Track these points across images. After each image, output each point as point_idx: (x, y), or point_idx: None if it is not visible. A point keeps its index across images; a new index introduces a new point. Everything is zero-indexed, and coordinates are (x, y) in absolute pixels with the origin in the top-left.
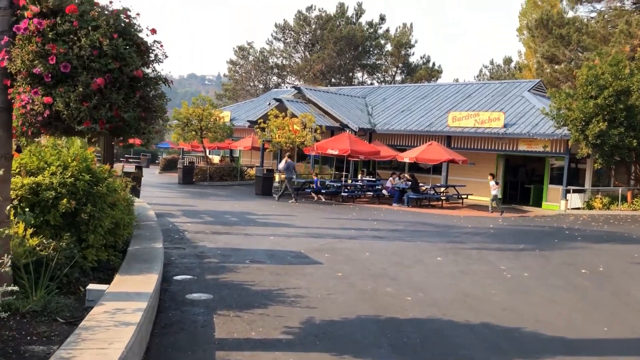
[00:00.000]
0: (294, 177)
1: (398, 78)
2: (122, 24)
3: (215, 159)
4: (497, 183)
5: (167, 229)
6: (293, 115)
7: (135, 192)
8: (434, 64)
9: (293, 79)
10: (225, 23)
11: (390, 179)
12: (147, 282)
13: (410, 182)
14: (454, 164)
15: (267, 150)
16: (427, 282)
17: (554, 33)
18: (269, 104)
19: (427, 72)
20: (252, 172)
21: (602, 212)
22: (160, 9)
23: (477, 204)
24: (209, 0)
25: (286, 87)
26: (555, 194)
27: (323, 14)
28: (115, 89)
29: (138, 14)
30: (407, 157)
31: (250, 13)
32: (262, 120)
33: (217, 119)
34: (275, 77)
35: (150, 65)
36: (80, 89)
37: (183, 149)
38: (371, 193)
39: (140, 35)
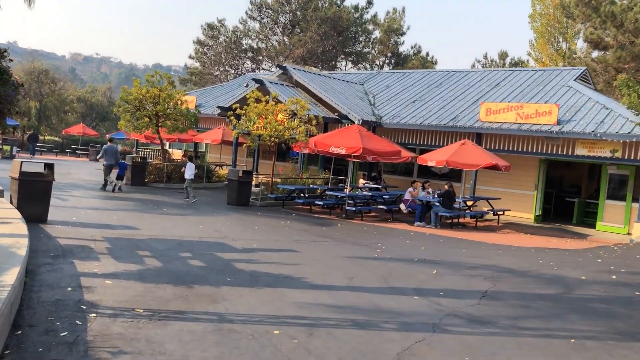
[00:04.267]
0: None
1: (386, 69)
2: None
3: (177, 154)
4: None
5: (54, 303)
6: (278, 102)
7: (40, 206)
8: (427, 54)
9: (269, 64)
10: (195, 4)
11: (411, 189)
12: None
13: (442, 195)
14: (489, 170)
15: (244, 145)
16: None
17: (602, 11)
18: (247, 86)
19: (420, 63)
20: (223, 172)
21: None
22: None
23: (517, 222)
24: None
25: (261, 73)
26: (615, 212)
27: None
28: None
29: None
30: (432, 160)
31: None
32: (238, 106)
33: (179, 103)
34: (249, 62)
35: None
36: None
37: (137, 140)
38: (384, 207)
39: None
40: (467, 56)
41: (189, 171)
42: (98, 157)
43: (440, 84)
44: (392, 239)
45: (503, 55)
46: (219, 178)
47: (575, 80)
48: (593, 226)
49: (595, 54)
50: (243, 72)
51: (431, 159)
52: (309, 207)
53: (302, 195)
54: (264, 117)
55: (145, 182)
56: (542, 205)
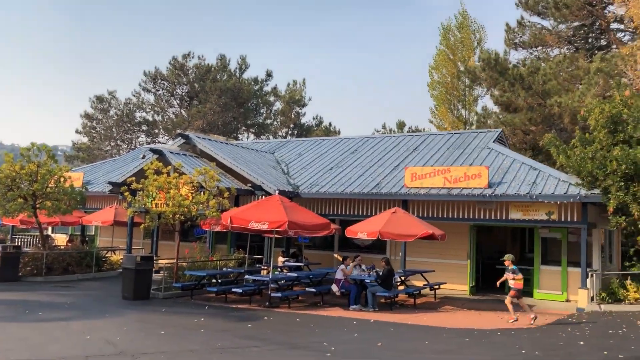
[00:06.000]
0: None
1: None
2: None
3: (61, 239)
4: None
5: None
6: (182, 173)
7: None
8: (330, 124)
9: (166, 137)
10: (83, 81)
11: (342, 267)
12: None
13: (378, 272)
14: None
15: (141, 226)
16: None
17: (510, 74)
18: (144, 157)
19: (324, 133)
20: (116, 258)
21: None
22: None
23: (453, 296)
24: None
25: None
26: (551, 278)
27: (202, 63)
28: None
29: None
30: (363, 231)
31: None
32: (133, 179)
33: (61, 180)
34: (143, 135)
35: None
36: None
37: (13, 226)
38: (313, 290)
39: None
40: (366, 127)
41: None
42: None
43: (355, 150)
44: (336, 333)
45: (401, 125)
46: (111, 266)
47: (494, 142)
48: (528, 294)
49: (501, 117)
50: (137, 146)
51: (361, 231)
52: (224, 295)
53: (214, 281)
54: (165, 191)
55: (18, 276)
56: (475, 275)
